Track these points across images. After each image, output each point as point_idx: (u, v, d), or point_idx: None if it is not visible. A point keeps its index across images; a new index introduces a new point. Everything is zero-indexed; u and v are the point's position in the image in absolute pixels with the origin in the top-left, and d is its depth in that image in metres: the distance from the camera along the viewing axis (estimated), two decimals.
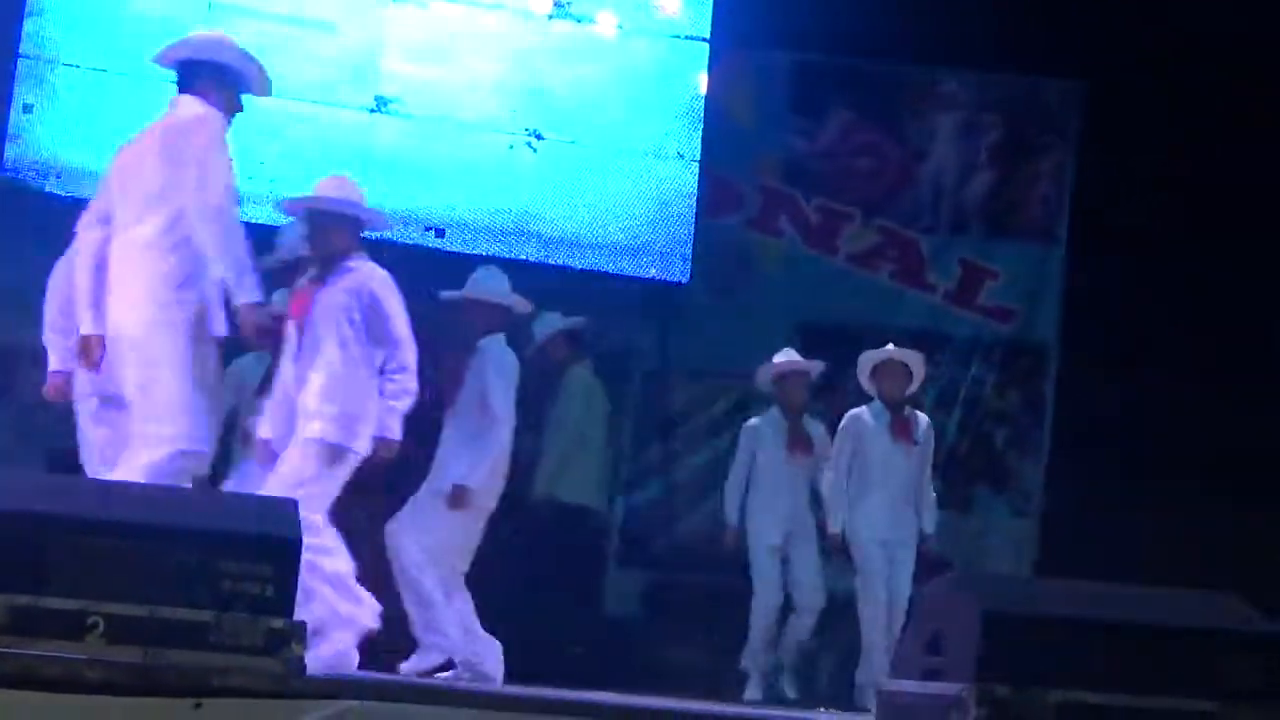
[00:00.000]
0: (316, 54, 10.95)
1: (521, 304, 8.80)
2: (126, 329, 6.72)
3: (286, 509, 5.04)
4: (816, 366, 10.03)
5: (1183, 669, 5.02)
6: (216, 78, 7.15)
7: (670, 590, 11.41)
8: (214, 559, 4.79)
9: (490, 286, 8.71)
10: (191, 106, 7.07)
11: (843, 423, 9.65)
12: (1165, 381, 10.97)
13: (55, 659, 4.65)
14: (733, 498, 9.97)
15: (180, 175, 6.81)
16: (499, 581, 8.78)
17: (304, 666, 4.87)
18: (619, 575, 11.51)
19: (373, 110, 10.98)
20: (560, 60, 11.28)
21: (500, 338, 8.57)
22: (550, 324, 9.88)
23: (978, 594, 5.30)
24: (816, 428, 9.98)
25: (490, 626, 8.30)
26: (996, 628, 5.08)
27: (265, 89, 7.32)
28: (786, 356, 10.01)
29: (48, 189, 10.54)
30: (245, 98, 7.30)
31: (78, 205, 10.31)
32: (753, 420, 10.08)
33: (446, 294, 8.78)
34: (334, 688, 5.06)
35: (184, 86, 7.19)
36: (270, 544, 4.87)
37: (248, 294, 6.74)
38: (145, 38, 10.61)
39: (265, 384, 8.03)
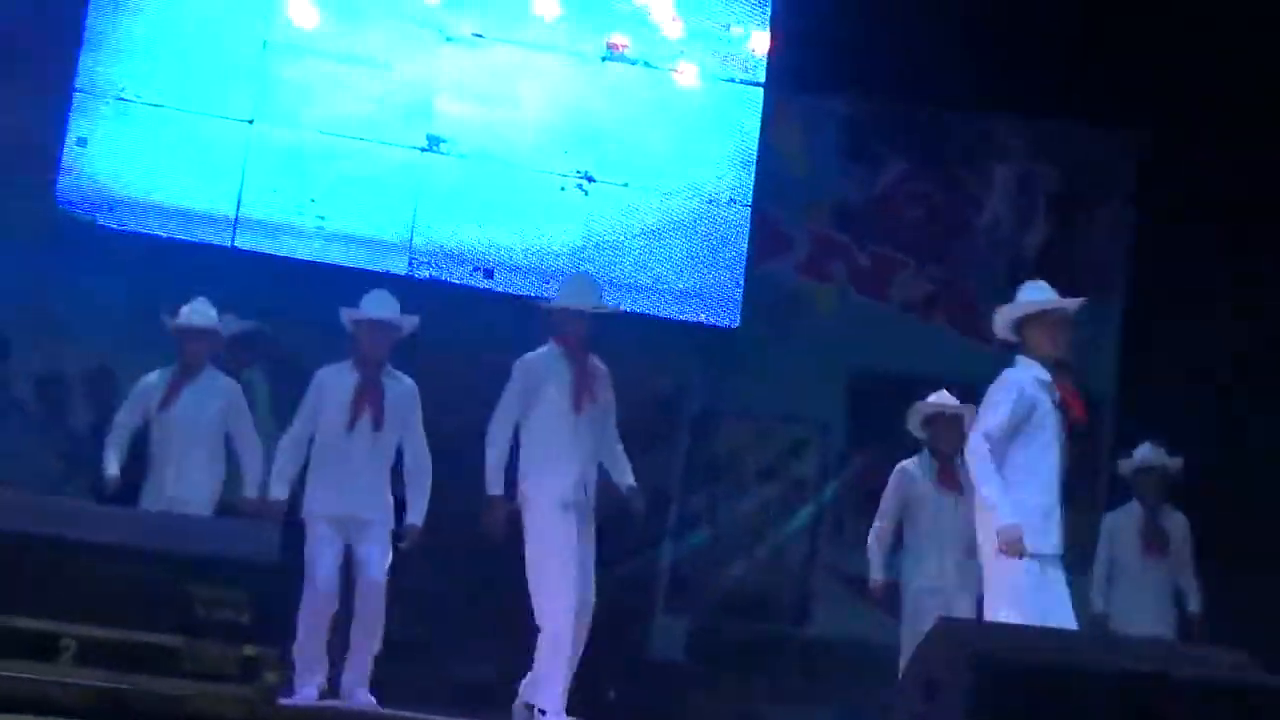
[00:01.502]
0: (369, 92, 11.00)
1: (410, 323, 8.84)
2: None
3: (264, 533, 5.01)
4: (970, 410, 9.65)
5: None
6: None
7: (715, 636, 11.32)
8: (187, 583, 4.76)
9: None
10: None
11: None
12: (1224, 435, 10.80)
13: (24, 680, 4.64)
14: (879, 546, 9.42)
15: None
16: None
17: (276, 695, 4.84)
18: (665, 620, 11.43)
19: (424, 149, 11.02)
20: (613, 102, 11.28)
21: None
22: (225, 327, 9.53)
23: (968, 642, 5.21)
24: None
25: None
26: (986, 676, 5.00)
27: None
28: (939, 398, 9.71)
29: (99, 221, 10.63)
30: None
31: (128, 238, 10.57)
32: (904, 463, 9.53)
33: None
34: (306, 717, 5.03)
35: None
36: (245, 568, 4.84)
37: None
38: (200, 73, 10.81)
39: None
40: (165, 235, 10.64)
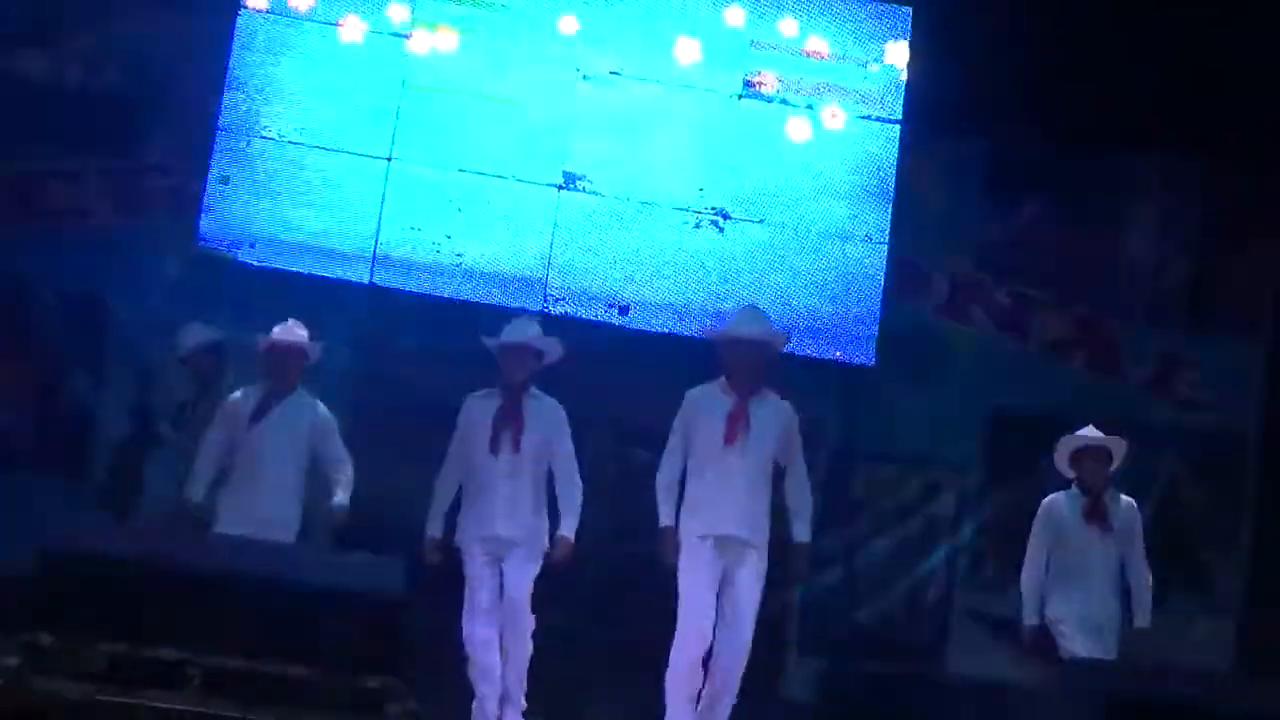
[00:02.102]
0: (506, 130, 11.06)
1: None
2: None
3: (391, 568, 5.03)
4: (1118, 443, 9.52)
5: None
6: None
7: (849, 677, 11.21)
8: (314, 614, 4.79)
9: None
10: None
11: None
12: None
13: (153, 709, 4.68)
14: (1033, 588, 9.17)
15: None
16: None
17: None
18: (798, 660, 11.35)
19: (560, 186, 11.06)
20: (749, 140, 11.25)
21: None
22: (195, 334, 9.63)
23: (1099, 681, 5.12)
24: (1118, 502, 9.33)
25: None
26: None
27: None
28: (1086, 432, 9.56)
29: (241, 258, 10.77)
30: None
31: (268, 274, 10.69)
32: (1052, 496, 9.31)
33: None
34: None
35: None
36: (371, 602, 4.86)
37: None
38: (339, 111, 10.94)
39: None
40: (305, 272, 10.75)
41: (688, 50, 11.23)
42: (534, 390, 8.84)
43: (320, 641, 4.73)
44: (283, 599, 4.75)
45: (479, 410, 8.79)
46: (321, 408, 9.14)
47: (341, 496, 8.97)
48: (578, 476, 8.82)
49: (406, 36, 11.05)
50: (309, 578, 4.83)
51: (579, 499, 8.79)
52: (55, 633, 4.81)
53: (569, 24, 11.16)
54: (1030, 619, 9.19)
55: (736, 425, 8.46)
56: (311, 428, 9.07)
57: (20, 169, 10.85)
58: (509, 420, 8.69)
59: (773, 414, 8.61)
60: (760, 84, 11.31)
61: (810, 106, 11.31)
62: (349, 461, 9.09)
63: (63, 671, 4.62)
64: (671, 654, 8.36)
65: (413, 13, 11.07)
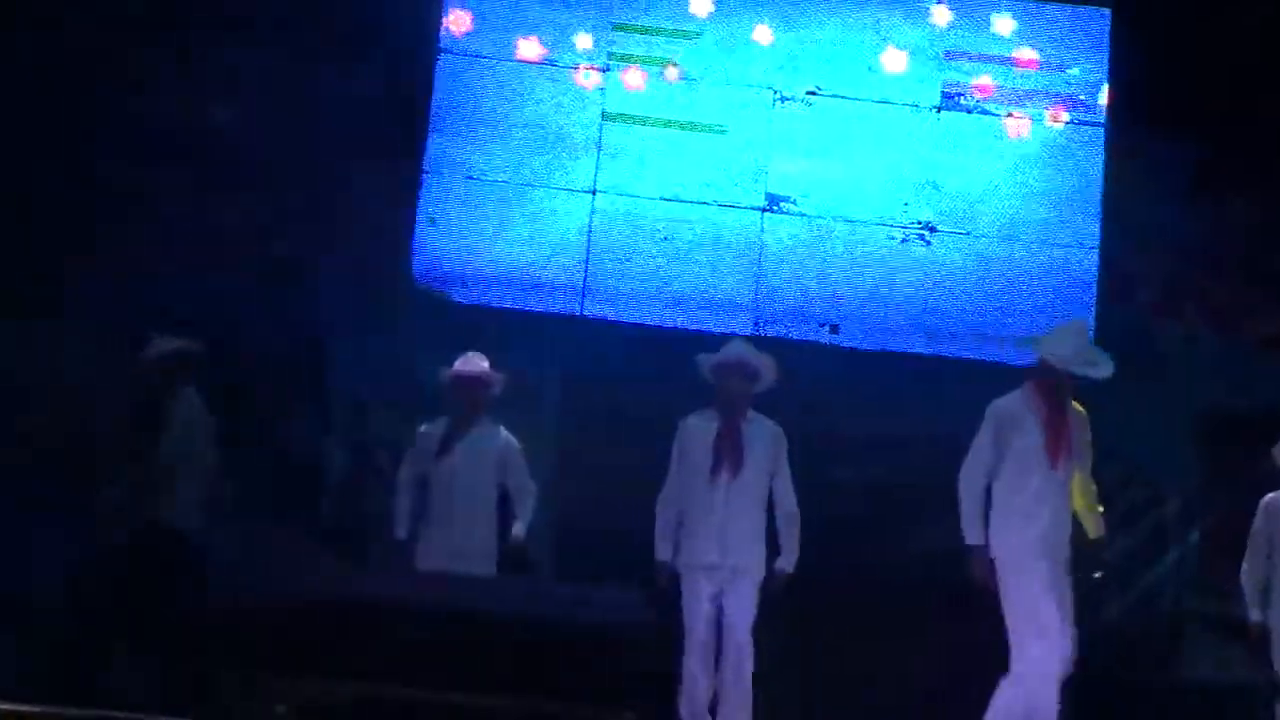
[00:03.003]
0: (707, 156, 11.14)
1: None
2: None
3: (636, 598, 5.07)
4: None
5: None
6: None
7: (1077, 684, 11.08)
8: (564, 649, 4.84)
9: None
10: None
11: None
12: None
13: None
14: (1254, 585, 9.14)
15: None
16: None
17: None
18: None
19: (764, 209, 11.09)
20: (950, 151, 11.21)
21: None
22: (160, 344, 9.43)
23: None
24: None
25: None
26: None
27: None
28: None
29: (454, 297, 10.92)
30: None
31: (481, 311, 10.84)
32: (1270, 495, 9.23)
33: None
34: None
35: None
36: (616, 634, 4.90)
37: None
38: (541, 147, 11.06)
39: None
40: (516, 307, 10.88)
41: (890, 63, 11.22)
42: (751, 413, 8.85)
43: (564, 675, 4.78)
44: (525, 634, 4.81)
45: (698, 434, 8.83)
46: (507, 436, 9.28)
47: (519, 527, 9.09)
48: (796, 506, 8.82)
49: (604, 70, 11.16)
50: (552, 613, 4.88)
51: (797, 532, 8.80)
52: (295, 675, 4.91)
53: (765, 48, 11.20)
54: (1255, 616, 9.07)
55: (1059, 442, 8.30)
56: (499, 457, 9.20)
57: (236, 216, 11.08)
58: (729, 446, 8.73)
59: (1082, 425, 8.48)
60: (959, 95, 11.25)
61: (1011, 114, 11.23)
62: (533, 492, 9.21)
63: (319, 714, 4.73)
64: None
65: (610, 47, 11.18)
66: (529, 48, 11.17)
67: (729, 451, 8.72)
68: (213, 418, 9.54)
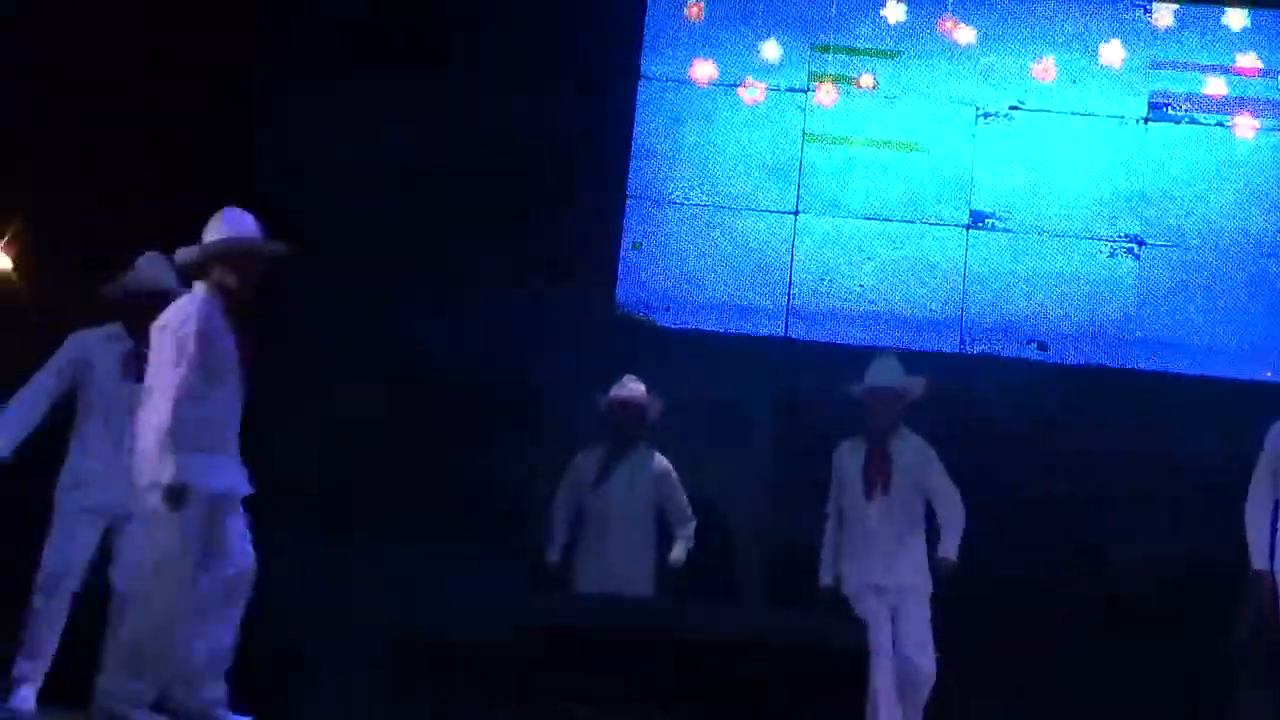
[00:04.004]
0: (909, 174, 11.10)
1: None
2: None
3: (831, 622, 5.07)
4: None
5: None
6: None
7: None
8: (766, 670, 4.84)
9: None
10: None
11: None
12: None
13: None
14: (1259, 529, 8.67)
15: None
16: None
17: None
18: (1250, 696, 10.98)
19: (967, 226, 11.02)
20: (1158, 163, 11.03)
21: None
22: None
23: None
24: None
25: None
26: None
27: None
28: None
29: (660, 323, 10.98)
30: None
31: (687, 335, 10.88)
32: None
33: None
34: None
35: None
36: (820, 655, 4.90)
37: None
38: (742, 169, 11.09)
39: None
40: (721, 330, 10.92)
41: (1095, 75, 11.09)
42: (901, 429, 8.92)
43: (774, 695, 4.78)
44: (734, 657, 4.82)
45: (850, 456, 8.99)
46: (663, 461, 9.35)
47: (679, 551, 9.14)
48: (958, 496, 8.87)
49: (805, 91, 11.17)
50: (762, 635, 4.89)
51: (959, 518, 8.84)
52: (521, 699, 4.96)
53: (966, 64, 11.14)
54: (1258, 564, 8.78)
55: None
56: (657, 482, 9.27)
57: (439, 242, 11.22)
58: (877, 465, 8.88)
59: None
60: (1167, 105, 11.09)
61: (1220, 123, 11.04)
62: (692, 520, 9.26)
63: None
64: None
65: (809, 67, 11.18)
66: (729, 72, 11.21)
67: (879, 472, 8.84)
68: None
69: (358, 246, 10.58)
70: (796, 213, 11.07)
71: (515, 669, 5.13)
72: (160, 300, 7.60)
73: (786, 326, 10.99)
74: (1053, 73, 11.10)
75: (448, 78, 10.93)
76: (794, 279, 11.00)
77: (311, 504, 9.87)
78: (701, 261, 11.05)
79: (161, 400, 7.07)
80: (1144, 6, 11.18)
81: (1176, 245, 10.97)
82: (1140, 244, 10.98)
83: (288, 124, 10.71)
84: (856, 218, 11.06)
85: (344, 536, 9.84)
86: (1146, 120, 11.09)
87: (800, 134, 11.15)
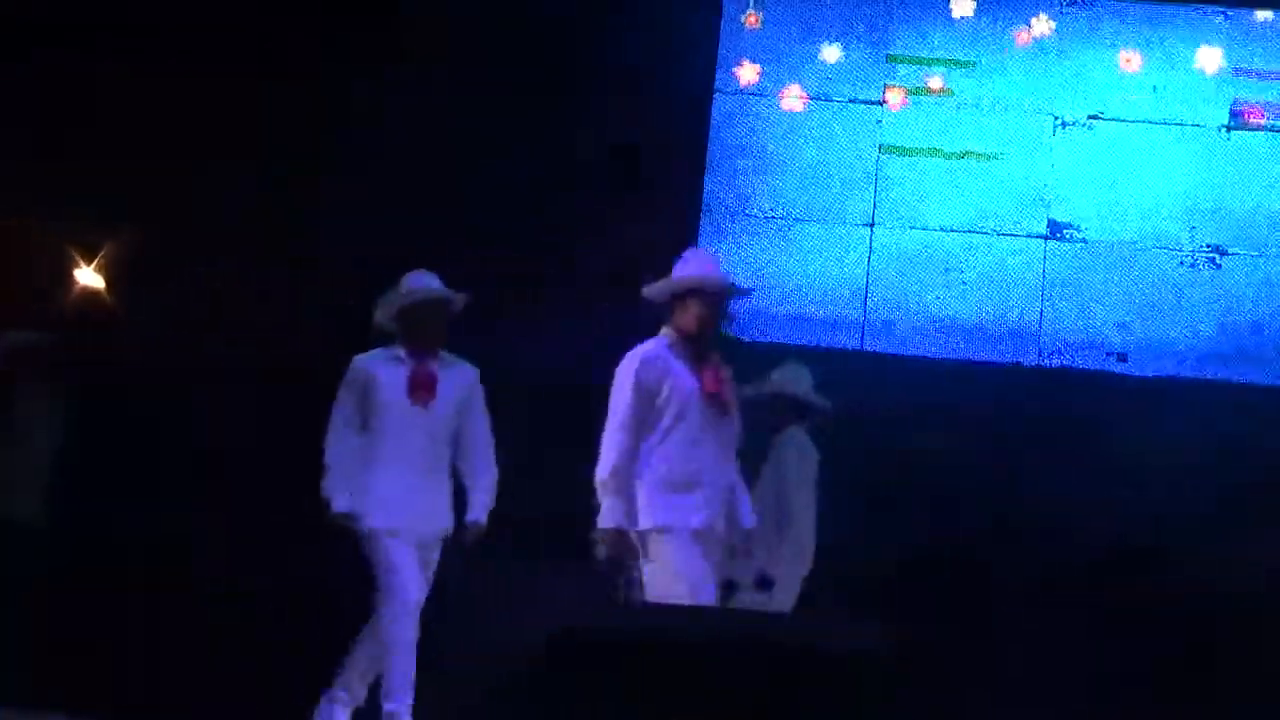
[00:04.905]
0: (986, 185, 11.02)
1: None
2: None
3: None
4: None
5: None
6: None
7: None
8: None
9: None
10: None
11: None
12: None
13: None
14: None
15: None
16: None
17: None
18: None
19: (1045, 237, 10.93)
20: (1241, 172, 10.91)
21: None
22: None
23: None
24: None
25: None
26: None
27: None
28: None
29: (734, 334, 10.92)
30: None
31: (761, 348, 10.85)
32: None
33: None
34: None
35: None
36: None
37: None
38: (819, 183, 11.06)
39: None
40: (796, 343, 10.87)
41: (1175, 84, 10.99)
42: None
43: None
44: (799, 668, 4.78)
45: None
46: None
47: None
48: None
49: (880, 103, 11.12)
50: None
51: None
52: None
53: (1043, 74, 11.07)
54: None
55: None
56: None
57: (509, 261, 11.25)
58: None
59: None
60: (1248, 113, 10.96)
61: None
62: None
63: None
64: None
65: (884, 78, 11.14)
66: (803, 83, 11.17)
67: None
68: None
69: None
70: (872, 225, 11.02)
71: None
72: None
73: (863, 339, 10.94)
74: (1137, 62, 11.00)
75: (527, 92, 10.98)
76: (869, 291, 10.94)
77: None
78: (776, 274, 11.01)
79: None
80: (1224, 13, 11.06)
81: (1260, 254, 10.84)
82: (1221, 254, 10.86)
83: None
84: (932, 229, 10.99)
85: None
86: (1228, 128, 10.97)
87: (875, 146, 11.10)
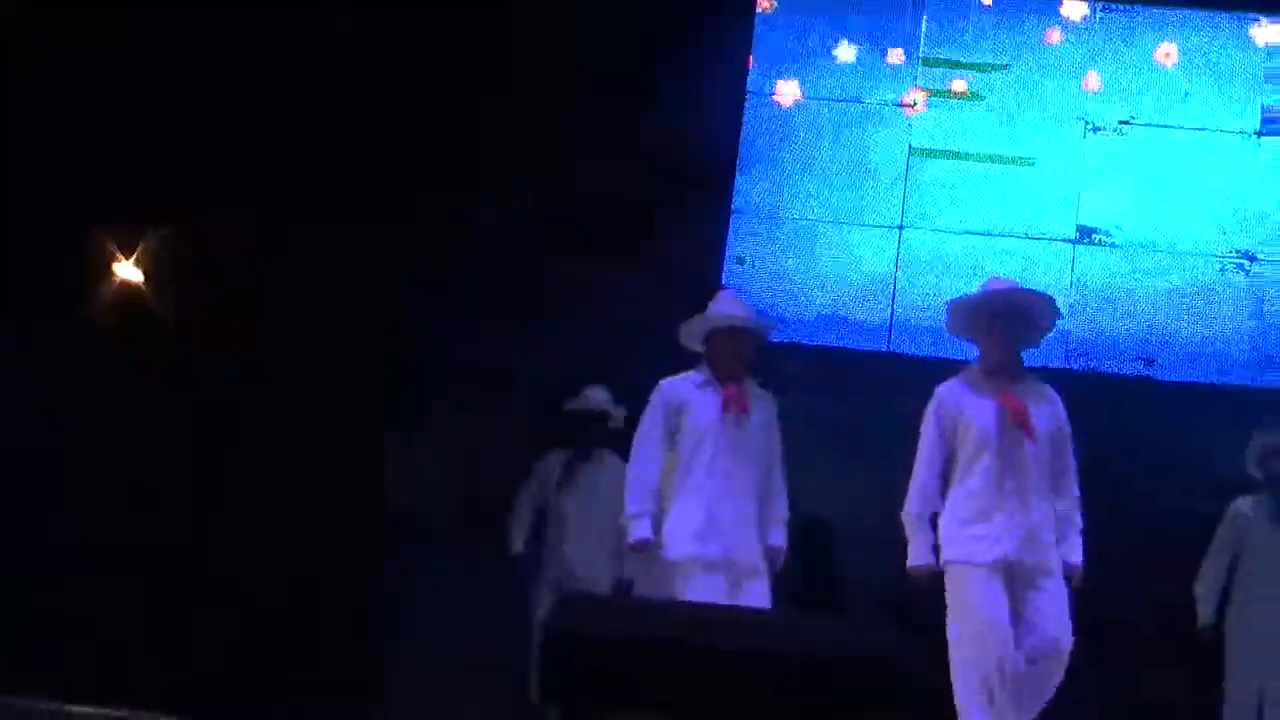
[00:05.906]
0: (1016, 189, 11.05)
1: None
2: None
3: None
4: None
5: None
6: None
7: None
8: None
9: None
10: None
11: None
12: None
13: None
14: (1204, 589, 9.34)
15: None
16: None
17: None
18: None
19: (1074, 241, 10.94)
20: (1271, 178, 10.91)
21: None
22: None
23: None
24: None
25: None
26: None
27: None
28: None
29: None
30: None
31: (789, 349, 10.87)
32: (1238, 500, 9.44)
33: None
34: None
35: None
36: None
37: None
38: (849, 185, 11.08)
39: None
40: (824, 345, 10.90)
41: (1206, 89, 10.99)
42: None
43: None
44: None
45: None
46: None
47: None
48: None
49: (911, 105, 11.14)
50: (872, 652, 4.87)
51: None
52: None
53: (1074, 79, 11.07)
54: (1204, 621, 9.23)
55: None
56: (618, 486, 9.26)
57: (553, 266, 11.30)
58: None
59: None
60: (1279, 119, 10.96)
61: None
62: None
63: None
64: None
65: (916, 81, 11.16)
66: (834, 85, 11.20)
67: None
68: None
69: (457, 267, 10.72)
70: (901, 227, 11.04)
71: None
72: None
73: (890, 341, 10.96)
74: (1175, 56, 11.00)
75: (558, 93, 11.01)
76: (898, 293, 10.97)
77: (448, 528, 10.11)
78: (805, 276, 11.04)
79: None
80: (1255, 19, 11.05)
81: None
82: (1252, 259, 10.85)
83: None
84: (961, 232, 11.01)
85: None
86: (1259, 134, 10.96)
87: (906, 148, 11.13)
